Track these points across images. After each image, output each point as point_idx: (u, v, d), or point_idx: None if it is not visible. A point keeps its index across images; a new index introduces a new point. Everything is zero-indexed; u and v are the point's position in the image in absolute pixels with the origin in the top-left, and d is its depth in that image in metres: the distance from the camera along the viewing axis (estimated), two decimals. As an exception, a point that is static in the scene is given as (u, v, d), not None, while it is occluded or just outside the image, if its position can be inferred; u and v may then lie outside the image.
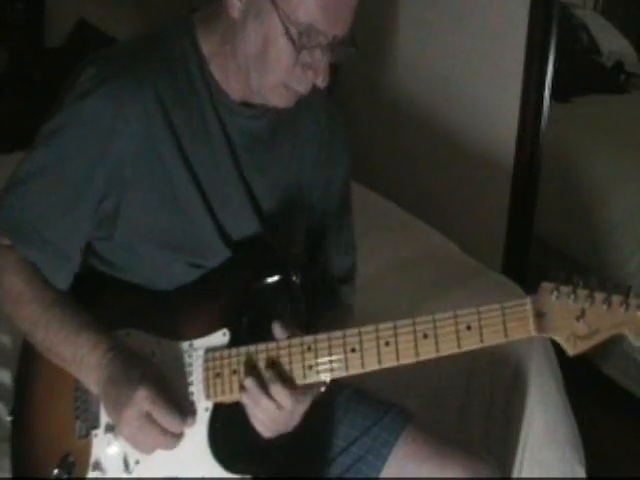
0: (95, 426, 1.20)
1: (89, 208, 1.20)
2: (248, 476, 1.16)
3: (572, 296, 1.04)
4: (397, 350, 1.11)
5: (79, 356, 1.16)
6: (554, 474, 1.92)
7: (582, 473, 1.94)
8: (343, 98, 3.48)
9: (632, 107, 3.21)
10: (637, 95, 3.22)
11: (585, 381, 2.62)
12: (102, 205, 1.19)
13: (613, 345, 2.87)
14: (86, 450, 1.21)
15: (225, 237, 1.24)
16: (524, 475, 1.91)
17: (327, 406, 1.41)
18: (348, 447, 1.37)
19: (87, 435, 1.21)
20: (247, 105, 1.24)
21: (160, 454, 1.15)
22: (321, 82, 1.16)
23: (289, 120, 1.30)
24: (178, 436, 1.14)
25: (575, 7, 3.24)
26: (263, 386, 1.12)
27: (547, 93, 2.61)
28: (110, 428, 1.19)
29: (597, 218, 2.94)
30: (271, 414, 1.13)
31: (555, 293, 1.05)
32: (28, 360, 1.30)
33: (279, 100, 1.19)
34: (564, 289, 1.05)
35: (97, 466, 1.20)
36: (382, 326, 1.12)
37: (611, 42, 3.27)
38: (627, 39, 3.25)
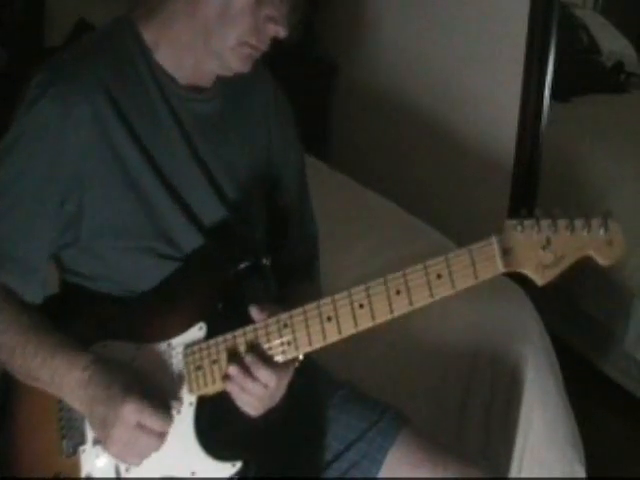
0: (82, 442, 1.20)
1: (52, 215, 1.20)
2: (239, 462, 1.17)
3: (536, 227, 1.06)
4: (372, 310, 1.12)
5: (57, 378, 1.16)
6: (554, 474, 1.92)
7: (582, 473, 1.94)
8: (343, 98, 3.48)
9: (632, 107, 3.20)
10: (637, 95, 3.22)
11: (585, 381, 2.62)
12: (64, 208, 1.20)
13: (613, 345, 2.88)
14: (76, 467, 1.21)
15: (189, 218, 1.25)
16: (524, 475, 1.91)
17: (322, 403, 1.40)
18: (344, 452, 1.37)
19: (75, 452, 1.21)
20: (195, 89, 1.26)
21: (150, 457, 1.15)
22: (281, 32, 1.20)
23: (238, 104, 1.33)
24: (166, 432, 1.14)
25: (575, 7, 3.24)
26: (247, 371, 1.14)
27: (547, 93, 2.60)
28: (97, 441, 1.18)
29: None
30: (258, 395, 1.14)
31: (519, 228, 1.07)
32: (9, 387, 1.28)
33: (238, 62, 1.22)
34: (527, 222, 1.07)
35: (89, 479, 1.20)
36: (355, 290, 1.13)
37: (611, 42, 3.27)
38: (627, 39, 3.25)
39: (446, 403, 1.82)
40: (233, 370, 1.14)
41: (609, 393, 2.74)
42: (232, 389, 1.15)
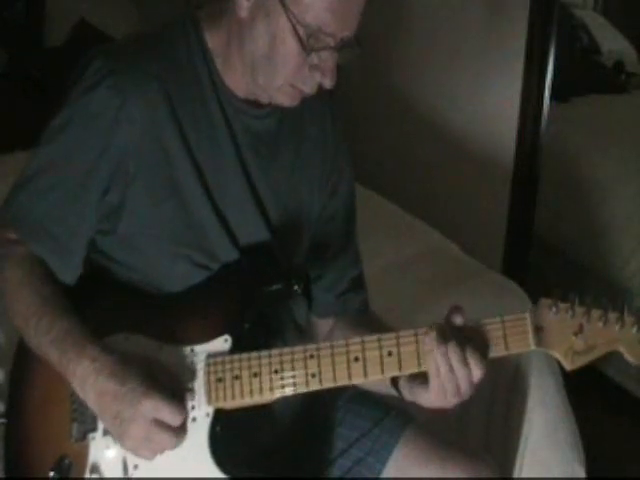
0: (93, 429, 1.19)
1: (94, 201, 1.20)
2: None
3: (570, 312, 1.07)
4: (400, 360, 1.12)
5: (64, 362, 1.15)
6: (554, 474, 1.92)
7: (582, 473, 1.94)
8: (343, 98, 3.48)
9: (632, 107, 3.21)
10: (637, 95, 3.22)
11: (585, 381, 2.62)
12: (106, 197, 1.20)
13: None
14: (83, 453, 1.20)
15: (228, 232, 1.24)
16: (524, 475, 1.91)
17: (328, 408, 1.41)
18: (348, 449, 1.37)
19: (84, 438, 1.20)
20: (251, 104, 1.24)
21: (160, 459, 1.14)
22: (328, 83, 1.17)
23: (293, 127, 1.30)
24: (184, 430, 1.13)
25: (575, 7, 3.24)
26: (462, 345, 1.09)
27: (547, 93, 2.61)
28: (108, 431, 1.17)
29: (597, 218, 2.94)
30: (459, 376, 1.09)
31: (553, 309, 1.08)
32: (23, 361, 1.28)
33: (284, 99, 1.20)
34: (562, 305, 1.08)
35: (95, 469, 1.19)
36: (385, 336, 1.13)
37: (611, 42, 3.27)
38: (627, 39, 3.25)
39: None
40: (453, 347, 1.08)
41: (609, 393, 2.74)
42: (440, 362, 1.09)
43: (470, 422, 1.86)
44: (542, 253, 2.89)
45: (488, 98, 2.80)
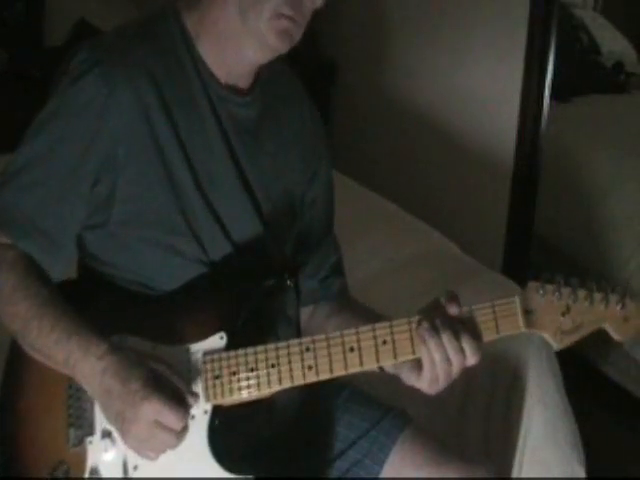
0: (90, 433, 1.19)
1: (83, 192, 1.19)
2: (250, 476, 1.16)
3: (557, 294, 1.12)
4: (394, 348, 1.14)
5: (71, 362, 1.14)
6: (554, 474, 1.92)
7: (582, 473, 1.93)
8: (343, 98, 3.48)
9: (632, 107, 3.21)
10: (637, 95, 3.22)
11: (585, 381, 2.62)
12: (96, 188, 1.19)
13: (613, 345, 2.88)
14: (81, 458, 1.19)
15: (219, 222, 1.24)
16: (524, 475, 1.91)
17: (327, 406, 1.41)
18: (346, 450, 1.37)
19: (81, 443, 1.19)
20: (233, 90, 1.25)
21: (160, 458, 1.14)
22: (318, 1, 1.20)
23: (272, 115, 1.31)
24: (185, 430, 1.13)
25: (575, 7, 3.25)
26: (457, 339, 1.12)
27: (547, 93, 2.61)
28: (107, 434, 1.17)
29: (597, 218, 2.94)
30: (454, 364, 1.13)
31: (541, 291, 1.13)
32: (16, 367, 1.27)
33: (275, 37, 1.19)
34: (549, 287, 1.13)
35: (94, 473, 1.18)
36: (378, 325, 1.15)
37: (611, 42, 3.28)
38: (627, 39, 3.25)
39: (446, 403, 1.82)
40: (448, 337, 1.12)
41: (609, 393, 2.74)
42: (437, 359, 1.13)
43: (469, 422, 1.86)
44: (542, 253, 2.90)
45: (488, 98, 2.80)
